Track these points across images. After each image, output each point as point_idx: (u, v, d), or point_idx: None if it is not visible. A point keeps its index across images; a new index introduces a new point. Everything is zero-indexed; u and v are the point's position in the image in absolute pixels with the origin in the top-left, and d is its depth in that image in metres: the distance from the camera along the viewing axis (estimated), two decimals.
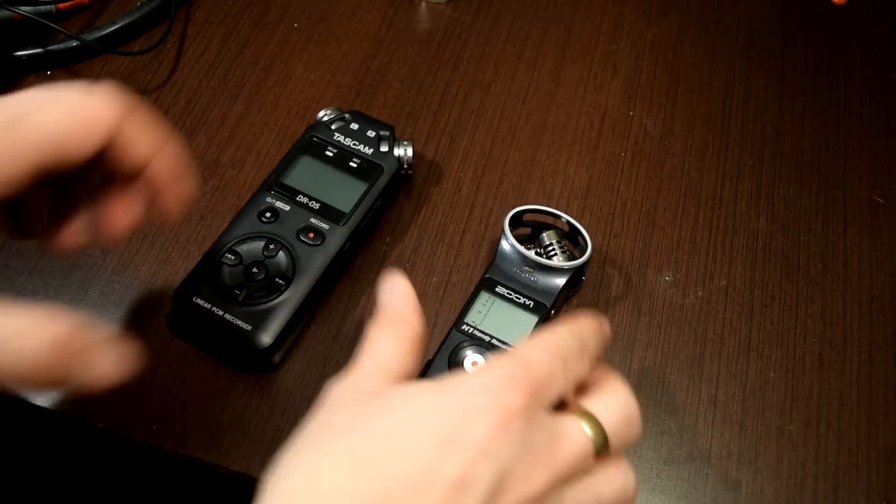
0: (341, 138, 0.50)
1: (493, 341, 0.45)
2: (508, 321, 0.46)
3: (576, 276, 0.48)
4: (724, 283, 0.51)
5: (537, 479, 0.30)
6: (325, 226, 0.47)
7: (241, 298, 0.45)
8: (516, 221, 0.50)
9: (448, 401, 0.30)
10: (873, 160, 0.58)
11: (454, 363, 0.44)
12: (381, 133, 0.51)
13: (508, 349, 0.33)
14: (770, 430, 0.46)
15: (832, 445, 0.46)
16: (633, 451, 0.45)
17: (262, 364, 0.45)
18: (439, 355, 0.44)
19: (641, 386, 0.47)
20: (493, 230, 0.52)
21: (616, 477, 0.33)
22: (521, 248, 0.47)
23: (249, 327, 0.44)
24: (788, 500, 0.44)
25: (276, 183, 0.49)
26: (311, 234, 0.46)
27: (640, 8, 0.65)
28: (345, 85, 0.58)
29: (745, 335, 0.49)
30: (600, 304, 0.50)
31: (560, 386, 0.32)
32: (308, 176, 0.49)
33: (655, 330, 0.49)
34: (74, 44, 0.56)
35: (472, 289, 0.48)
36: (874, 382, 0.48)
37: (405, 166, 0.51)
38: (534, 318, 0.46)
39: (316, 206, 0.48)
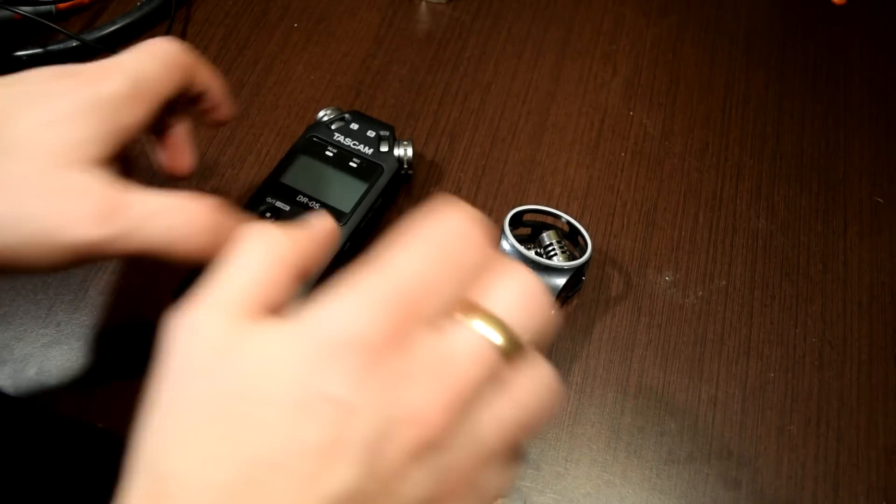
0: (341, 138, 0.50)
1: None
2: None
3: (576, 276, 0.48)
4: (724, 283, 0.51)
5: (432, 414, 0.25)
6: None
7: None
8: (516, 221, 0.50)
9: (301, 348, 0.25)
10: (873, 160, 0.58)
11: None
12: (381, 133, 0.51)
13: (378, 260, 0.27)
14: (770, 430, 0.46)
15: (832, 445, 0.46)
16: (633, 451, 0.45)
17: None
18: None
19: (641, 386, 0.47)
20: (494, 230, 0.52)
21: (534, 377, 0.27)
22: (521, 248, 0.47)
23: None
24: (788, 500, 0.44)
25: (275, 183, 0.49)
26: None
27: (640, 8, 0.65)
28: (345, 85, 0.58)
29: (745, 335, 0.49)
30: (600, 304, 0.50)
31: (445, 294, 0.27)
32: (308, 176, 0.49)
33: (655, 330, 0.49)
34: (74, 44, 0.56)
35: None
36: (874, 382, 0.48)
37: (405, 166, 0.51)
38: None
39: (316, 206, 0.47)
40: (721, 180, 0.56)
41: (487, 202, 0.54)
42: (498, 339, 0.26)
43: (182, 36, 0.60)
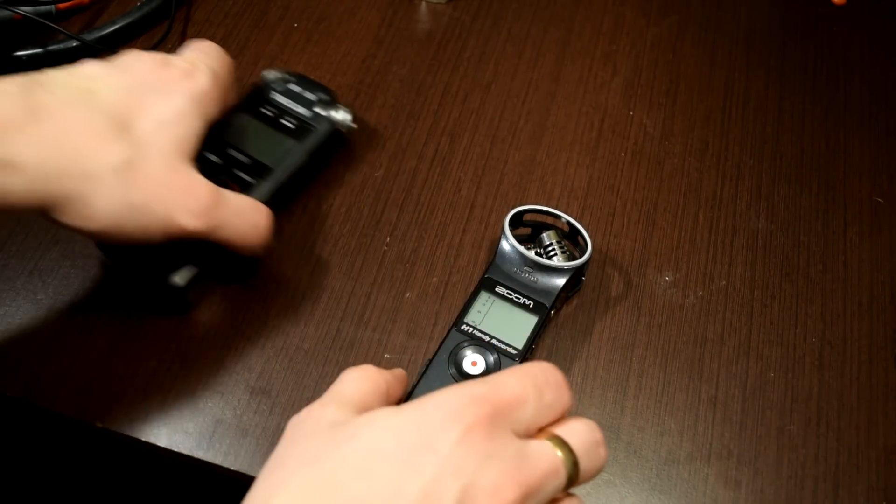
0: (281, 99, 0.52)
1: (493, 341, 0.45)
2: (508, 321, 0.46)
3: (576, 276, 0.48)
4: (724, 283, 0.51)
5: (507, 493, 0.30)
6: (250, 180, 0.48)
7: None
8: (516, 221, 0.50)
9: (408, 421, 0.31)
10: (873, 160, 0.58)
11: (454, 362, 0.44)
12: (321, 97, 0.52)
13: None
14: (770, 430, 0.46)
15: (832, 445, 0.46)
16: (633, 450, 0.45)
17: (178, 305, 0.47)
18: (439, 354, 0.44)
19: (641, 386, 0.47)
20: (493, 230, 0.52)
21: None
22: (521, 249, 0.47)
23: (165, 269, 0.45)
24: (788, 500, 0.44)
25: (213, 138, 0.50)
26: (236, 187, 0.47)
27: (640, 8, 0.65)
28: (345, 85, 0.58)
29: (745, 335, 0.49)
30: (600, 304, 0.50)
31: (530, 411, 0.33)
32: (243, 133, 0.50)
33: (655, 330, 0.49)
34: (74, 44, 0.56)
35: (471, 289, 0.48)
36: (874, 382, 0.48)
37: (342, 130, 0.52)
38: (533, 318, 0.46)
39: (245, 160, 0.49)
40: (721, 180, 0.56)
41: (487, 202, 0.54)
42: (564, 458, 0.32)
43: (182, 36, 0.60)
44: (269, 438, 0.44)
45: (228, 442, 0.44)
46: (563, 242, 0.49)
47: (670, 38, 0.63)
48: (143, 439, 0.44)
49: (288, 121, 0.51)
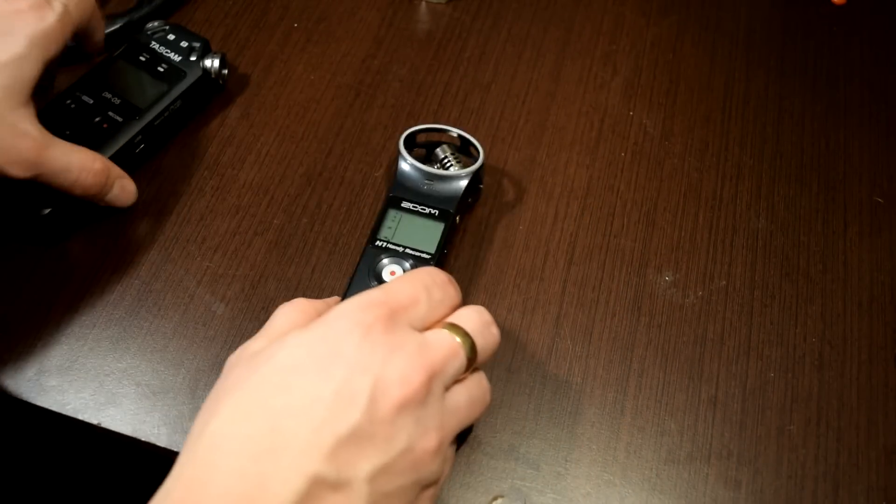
0: (156, 46, 0.55)
1: (407, 250, 0.48)
2: (418, 231, 0.49)
3: (473, 182, 0.51)
4: (724, 283, 0.51)
5: (414, 378, 0.33)
6: (119, 119, 0.51)
7: None
8: (410, 144, 0.52)
9: (315, 334, 0.34)
10: (873, 160, 0.58)
11: (374, 275, 0.47)
12: (193, 44, 0.55)
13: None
14: (770, 430, 0.46)
15: (832, 445, 0.46)
16: (633, 450, 0.45)
17: (46, 235, 0.50)
18: (359, 270, 0.47)
19: (641, 386, 0.47)
20: (493, 229, 0.52)
21: (479, 381, 0.38)
22: (420, 164, 0.50)
23: (31, 196, 0.47)
24: (788, 500, 0.44)
25: (88, 81, 0.53)
26: (106, 125, 0.51)
27: (640, 8, 0.65)
28: (345, 85, 0.58)
29: (745, 335, 0.49)
30: (600, 304, 0.50)
31: (423, 308, 0.37)
32: (118, 77, 0.53)
33: (655, 330, 0.49)
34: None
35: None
36: (874, 382, 0.48)
37: (214, 76, 0.55)
38: (441, 225, 0.49)
39: (117, 101, 0.52)
40: (721, 180, 0.56)
41: (487, 202, 0.54)
42: (462, 340, 0.36)
43: None
44: None
45: None
46: (457, 154, 0.52)
47: (670, 38, 0.63)
48: (142, 439, 0.44)
49: (162, 67, 0.54)
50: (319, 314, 0.37)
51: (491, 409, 0.45)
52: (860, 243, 0.54)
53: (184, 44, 0.55)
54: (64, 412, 0.44)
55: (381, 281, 0.46)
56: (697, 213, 0.54)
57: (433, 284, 0.37)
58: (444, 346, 0.35)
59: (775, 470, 0.45)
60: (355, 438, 0.32)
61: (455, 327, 0.37)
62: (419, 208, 0.49)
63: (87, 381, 0.45)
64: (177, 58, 0.54)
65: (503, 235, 0.52)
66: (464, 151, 0.53)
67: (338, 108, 0.57)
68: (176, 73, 0.54)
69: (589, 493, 0.43)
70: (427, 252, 0.47)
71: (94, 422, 0.44)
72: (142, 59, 0.54)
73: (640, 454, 0.45)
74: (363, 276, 0.46)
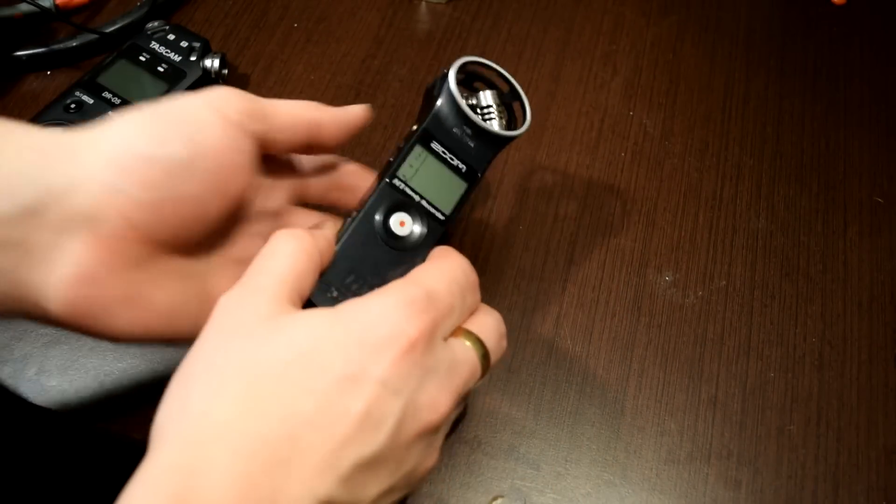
0: (156, 46, 0.55)
1: (423, 202, 0.41)
2: (439, 182, 0.42)
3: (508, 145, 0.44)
4: (724, 283, 0.51)
5: (442, 404, 0.32)
6: None
7: None
8: (462, 74, 0.44)
9: (348, 334, 0.31)
10: (873, 160, 0.58)
11: (383, 217, 0.40)
12: (193, 44, 0.56)
13: (410, 276, 0.35)
14: (770, 430, 0.46)
15: (832, 445, 0.46)
16: (633, 450, 0.45)
17: None
18: (370, 207, 0.40)
19: (641, 386, 0.47)
20: (493, 230, 0.52)
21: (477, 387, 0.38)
22: (466, 109, 0.43)
23: None
24: (788, 500, 0.44)
25: (90, 80, 0.53)
26: None
27: (640, 8, 0.65)
28: (345, 85, 0.58)
29: (745, 335, 0.49)
30: (600, 304, 0.50)
31: (456, 317, 0.34)
32: (119, 76, 0.54)
33: (655, 330, 0.49)
34: (74, 43, 0.56)
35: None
36: (874, 382, 0.48)
37: (214, 76, 0.55)
38: (464, 184, 0.42)
39: (117, 101, 0.52)
40: (721, 180, 0.56)
41: (488, 202, 0.54)
42: (479, 355, 0.34)
43: None
44: None
45: None
46: (500, 107, 0.44)
47: (670, 38, 0.63)
48: (143, 439, 0.44)
49: (162, 67, 0.55)
50: (322, 257, 0.35)
51: (491, 410, 0.45)
52: (860, 243, 0.54)
53: (184, 44, 0.55)
54: (64, 412, 0.44)
55: (388, 228, 0.40)
56: (697, 213, 0.54)
57: (467, 287, 0.35)
58: (470, 366, 0.34)
59: (775, 470, 0.45)
60: (374, 464, 0.30)
61: (477, 341, 0.34)
62: (448, 156, 0.43)
63: (87, 381, 0.45)
64: (177, 58, 0.55)
65: (503, 235, 0.52)
66: (507, 105, 0.45)
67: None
68: (176, 72, 0.54)
69: (589, 493, 0.43)
70: (442, 212, 0.41)
71: (94, 422, 0.44)
72: (142, 59, 0.55)
73: (640, 454, 0.45)
74: (370, 215, 0.40)
